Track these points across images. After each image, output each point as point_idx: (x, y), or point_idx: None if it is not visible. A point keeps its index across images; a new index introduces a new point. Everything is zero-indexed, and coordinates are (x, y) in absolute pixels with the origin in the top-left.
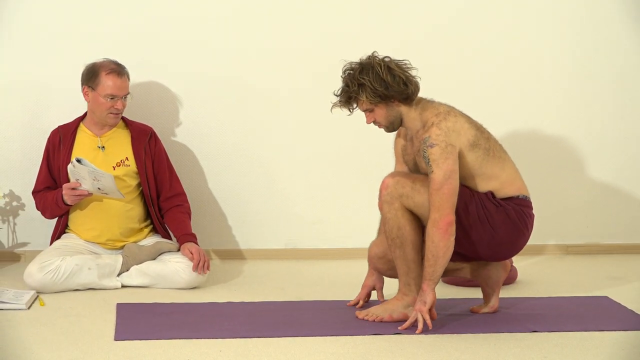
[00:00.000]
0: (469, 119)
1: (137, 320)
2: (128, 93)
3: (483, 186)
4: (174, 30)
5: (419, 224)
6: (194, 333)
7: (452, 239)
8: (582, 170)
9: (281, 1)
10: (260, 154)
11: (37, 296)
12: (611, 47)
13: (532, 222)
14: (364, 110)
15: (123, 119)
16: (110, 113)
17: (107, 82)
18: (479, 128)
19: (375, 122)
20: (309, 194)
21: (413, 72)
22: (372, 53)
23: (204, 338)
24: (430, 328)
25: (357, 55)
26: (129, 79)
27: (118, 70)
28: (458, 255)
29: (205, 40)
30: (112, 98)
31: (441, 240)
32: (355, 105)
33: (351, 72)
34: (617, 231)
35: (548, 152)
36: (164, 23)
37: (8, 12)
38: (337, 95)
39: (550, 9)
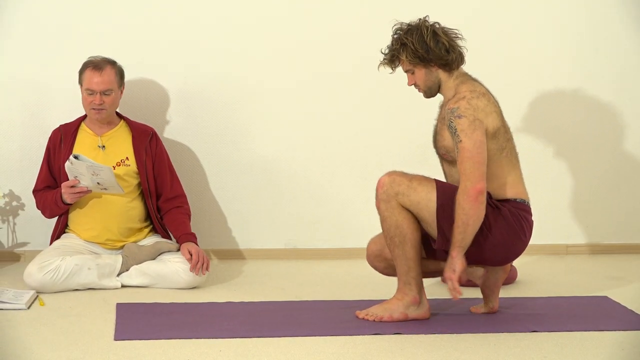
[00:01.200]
0: (500, 113)
1: (137, 320)
2: (109, 89)
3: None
4: (174, 31)
5: (417, 221)
6: (194, 333)
7: (483, 207)
8: (582, 170)
9: (281, 2)
10: (260, 155)
11: (37, 296)
12: (611, 47)
13: (530, 228)
14: (405, 71)
15: (124, 119)
16: (92, 109)
17: (86, 77)
18: (504, 125)
19: (415, 86)
20: (308, 194)
21: (460, 43)
22: (424, 17)
23: (204, 338)
24: (460, 294)
25: (357, 55)
26: (119, 75)
27: (96, 64)
28: None
29: (206, 40)
30: (90, 93)
31: (471, 209)
32: (397, 64)
33: (399, 32)
34: (617, 231)
35: (548, 152)
36: (164, 23)
37: (8, 12)
38: (383, 54)
39: (550, 8)
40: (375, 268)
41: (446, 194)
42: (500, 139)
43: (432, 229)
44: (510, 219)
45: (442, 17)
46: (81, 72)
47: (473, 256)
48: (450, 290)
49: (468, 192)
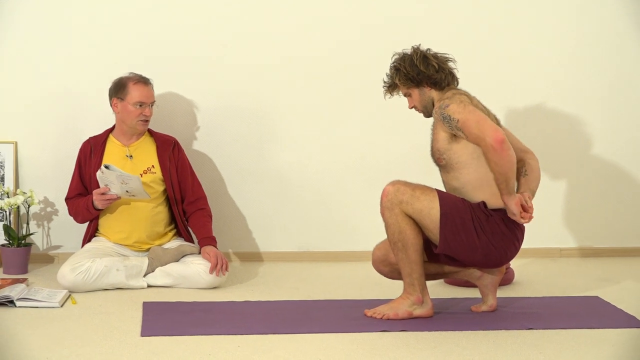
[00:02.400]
0: (487, 114)
1: (161, 318)
2: (154, 101)
3: (478, 193)
4: (198, 49)
5: (418, 227)
6: (214, 329)
7: (510, 152)
8: (575, 178)
9: (295, 20)
10: (276, 163)
11: (70, 295)
12: (607, 54)
13: (522, 232)
14: (404, 95)
15: (148, 130)
16: (140, 120)
17: (135, 92)
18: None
19: (415, 108)
20: (321, 200)
21: (450, 65)
22: (417, 45)
23: (224, 334)
24: (527, 219)
25: (367, 73)
26: (153, 89)
27: (144, 80)
28: (454, 261)
29: (226, 59)
30: (140, 105)
31: (501, 158)
32: (396, 89)
33: (396, 60)
34: (608, 235)
35: (542, 161)
36: (188, 41)
37: (43, 30)
38: (384, 81)
39: (550, 11)
40: (381, 272)
41: (448, 202)
42: None
43: (433, 235)
44: (503, 227)
45: (440, 16)
46: (123, 87)
47: (469, 260)
48: (521, 220)
49: (491, 146)
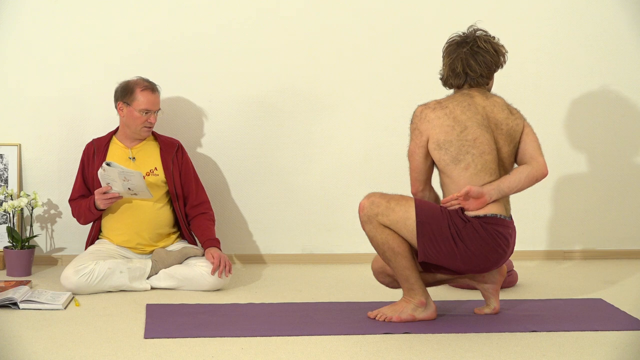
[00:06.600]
0: (454, 127)
1: (165, 320)
2: (159, 109)
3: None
4: (202, 57)
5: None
6: (218, 332)
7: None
8: (579, 182)
9: (300, 28)
10: (278, 166)
11: (73, 297)
12: (613, 60)
13: (505, 239)
14: None
15: (152, 132)
16: (144, 127)
17: (142, 98)
18: (461, 139)
19: None
20: (323, 203)
21: (463, 64)
22: (461, 32)
23: (227, 336)
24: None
25: (370, 77)
26: (159, 96)
27: (151, 87)
28: (444, 270)
29: (229, 65)
30: (146, 112)
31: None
32: None
33: None
34: (612, 238)
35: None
36: (193, 49)
37: (45, 31)
38: None
39: (550, 16)
40: (382, 283)
41: (424, 211)
42: (451, 151)
43: (413, 244)
44: (482, 233)
45: (438, 15)
46: (130, 92)
47: (452, 267)
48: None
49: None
